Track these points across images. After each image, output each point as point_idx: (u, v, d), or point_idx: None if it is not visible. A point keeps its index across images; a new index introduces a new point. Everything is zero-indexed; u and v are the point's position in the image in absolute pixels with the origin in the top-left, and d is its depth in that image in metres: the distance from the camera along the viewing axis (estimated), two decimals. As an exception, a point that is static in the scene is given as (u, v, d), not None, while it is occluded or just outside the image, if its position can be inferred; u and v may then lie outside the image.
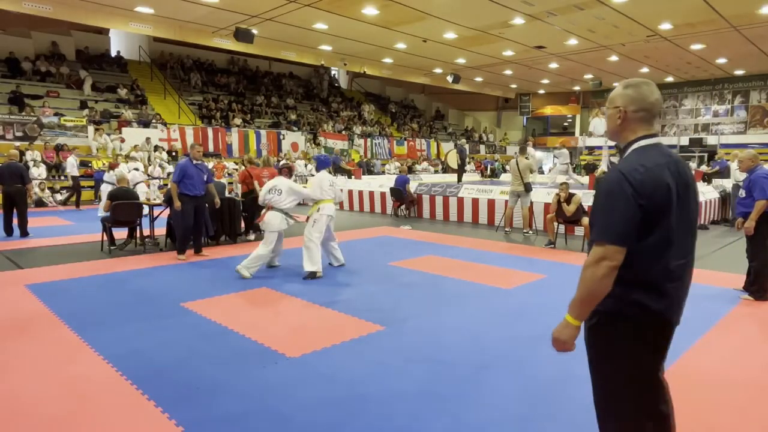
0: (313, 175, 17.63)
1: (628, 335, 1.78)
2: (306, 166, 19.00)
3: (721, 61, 20.72)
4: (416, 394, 3.14)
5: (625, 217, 1.67)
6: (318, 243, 6.19)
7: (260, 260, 6.14)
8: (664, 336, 1.86)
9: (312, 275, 6.08)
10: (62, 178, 15.04)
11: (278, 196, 6.25)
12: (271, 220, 6.19)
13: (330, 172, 7.13)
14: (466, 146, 17.15)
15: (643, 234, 1.70)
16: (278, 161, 16.01)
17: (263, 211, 6.40)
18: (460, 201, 11.71)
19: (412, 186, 12.93)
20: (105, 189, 11.36)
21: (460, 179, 15.85)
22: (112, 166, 12.88)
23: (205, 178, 7.36)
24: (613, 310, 1.76)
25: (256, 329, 4.29)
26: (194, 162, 7.24)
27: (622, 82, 1.88)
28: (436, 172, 22.63)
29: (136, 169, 13.74)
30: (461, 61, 21.09)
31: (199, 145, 7.55)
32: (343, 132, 23.94)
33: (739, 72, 23.47)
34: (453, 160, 20.26)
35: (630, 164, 1.73)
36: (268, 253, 6.23)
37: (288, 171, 6.79)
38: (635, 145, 1.81)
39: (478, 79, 25.41)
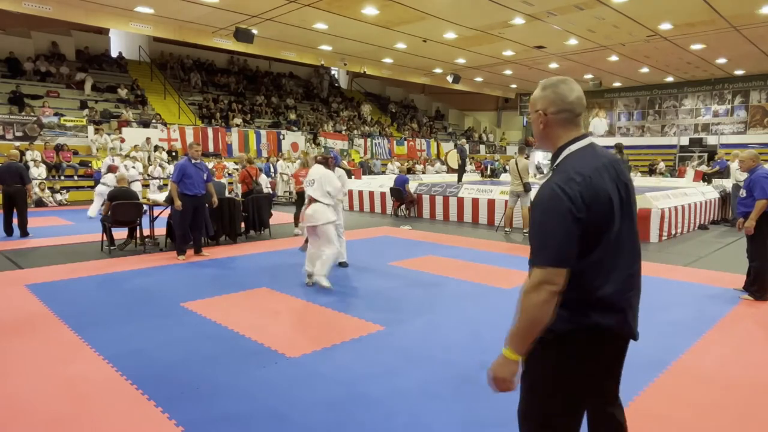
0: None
1: (575, 356, 1.61)
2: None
3: (721, 61, 20.71)
4: (416, 393, 3.14)
5: (563, 236, 1.51)
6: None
7: (331, 261, 5.61)
8: (615, 354, 1.73)
9: (345, 264, 6.65)
10: (62, 178, 15.06)
11: (311, 187, 5.64)
12: (314, 213, 5.55)
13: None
14: (467, 146, 17.16)
15: (587, 249, 1.55)
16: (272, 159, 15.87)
17: (304, 206, 5.87)
18: (460, 201, 11.71)
19: (412, 186, 12.93)
20: (100, 191, 11.30)
21: (460, 179, 15.87)
22: (112, 169, 12.33)
23: (204, 177, 7.34)
24: (561, 331, 1.59)
25: (256, 329, 4.29)
26: (193, 161, 7.20)
27: (541, 83, 1.75)
28: (437, 172, 22.62)
29: (133, 167, 13.70)
30: (461, 61, 21.08)
31: (198, 144, 7.50)
32: (344, 132, 23.95)
33: (739, 72, 23.46)
34: (453, 160, 20.25)
35: (565, 174, 1.57)
36: (336, 251, 5.66)
37: (324, 161, 5.93)
38: (566, 151, 1.67)
39: (478, 79, 25.40)
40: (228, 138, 19.40)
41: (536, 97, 1.72)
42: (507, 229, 9.94)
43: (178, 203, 7.02)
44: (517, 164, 9.38)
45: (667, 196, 9.62)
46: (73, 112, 17.26)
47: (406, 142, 25.92)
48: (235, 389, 3.20)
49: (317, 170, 5.72)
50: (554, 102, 1.68)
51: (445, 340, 4.09)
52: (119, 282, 5.93)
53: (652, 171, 21.84)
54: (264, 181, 10.62)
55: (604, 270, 1.58)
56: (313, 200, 5.60)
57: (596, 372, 1.68)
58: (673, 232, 9.43)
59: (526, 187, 9.31)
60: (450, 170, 21.53)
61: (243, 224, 9.04)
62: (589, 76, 23.96)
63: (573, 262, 1.53)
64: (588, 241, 1.54)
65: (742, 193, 5.32)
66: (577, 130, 1.69)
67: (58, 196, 14.40)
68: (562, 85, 1.68)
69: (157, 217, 8.35)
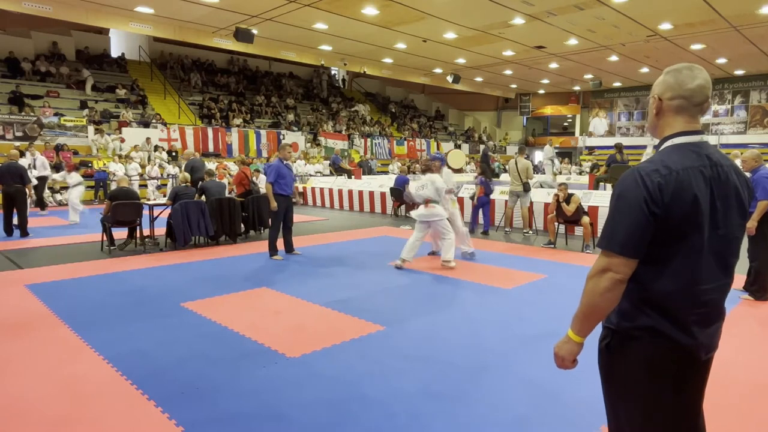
0: (313, 175, 17.64)
1: (642, 363, 1.52)
2: (305, 165, 18.98)
3: (721, 61, 20.73)
4: (416, 394, 3.14)
5: (632, 225, 1.43)
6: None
7: (452, 247, 6.65)
8: (688, 369, 1.58)
9: (449, 263, 6.69)
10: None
11: (423, 190, 6.73)
12: (428, 212, 6.70)
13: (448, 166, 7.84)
14: (490, 147, 17.41)
15: (659, 247, 1.46)
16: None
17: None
18: (460, 201, 11.66)
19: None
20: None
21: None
22: (68, 168, 11.82)
23: (293, 178, 7.62)
24: (625, 330, 1.53)
25: (256, 329, 4.29)
26: (285, 162, 7.45)
27: (665, 69, 1.62)
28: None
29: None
30: (461, 61, 21.09)
31: (290, 145, 7.82)
32: (344, 132, 23.94)
33: (739, 72, 23.48)
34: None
35: (652, 164, 1.47)
36: (452, 238, 6.69)
37: (427, 167, 7.21)
38: (669, 142, 1.54)
39: (478, 79, 25.41)
40: (228, 138, 19.40)
41: (656, 82, 1.62)
42: (507, 229, 9.93)
43: (274, 204, 7.18)
44: (516, 164, 9.38)
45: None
46: (73, 112, 17.26)
47: (406, 142, 25.92)
48: (235, 389, 3.19)
49: (427, 176, 6.89)
50: (671, 87, 1.55)
51: (445, 340, 4.09)
52: (119, 282, 5.92)
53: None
54: (263, 181, 10.62)
55: (674, 275, 1.47)
56: (428, 201, 6.71)
57: (662, 384, 1.55)
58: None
59: (526, 187, 9.32)
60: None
61: (243, 224, 9.04)
62: (589, 76, 23.98)
63: (640, 254, 1.45)
64: (662, 239, 1.45)
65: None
66: (691, 122, 1.56)
67: (58, 196, 14.39)
68: (685, 71, 1.55)
69: (157, 217, 8.35)
